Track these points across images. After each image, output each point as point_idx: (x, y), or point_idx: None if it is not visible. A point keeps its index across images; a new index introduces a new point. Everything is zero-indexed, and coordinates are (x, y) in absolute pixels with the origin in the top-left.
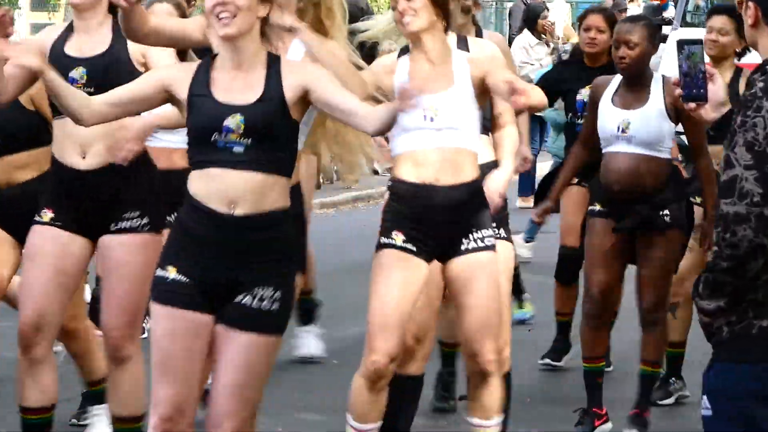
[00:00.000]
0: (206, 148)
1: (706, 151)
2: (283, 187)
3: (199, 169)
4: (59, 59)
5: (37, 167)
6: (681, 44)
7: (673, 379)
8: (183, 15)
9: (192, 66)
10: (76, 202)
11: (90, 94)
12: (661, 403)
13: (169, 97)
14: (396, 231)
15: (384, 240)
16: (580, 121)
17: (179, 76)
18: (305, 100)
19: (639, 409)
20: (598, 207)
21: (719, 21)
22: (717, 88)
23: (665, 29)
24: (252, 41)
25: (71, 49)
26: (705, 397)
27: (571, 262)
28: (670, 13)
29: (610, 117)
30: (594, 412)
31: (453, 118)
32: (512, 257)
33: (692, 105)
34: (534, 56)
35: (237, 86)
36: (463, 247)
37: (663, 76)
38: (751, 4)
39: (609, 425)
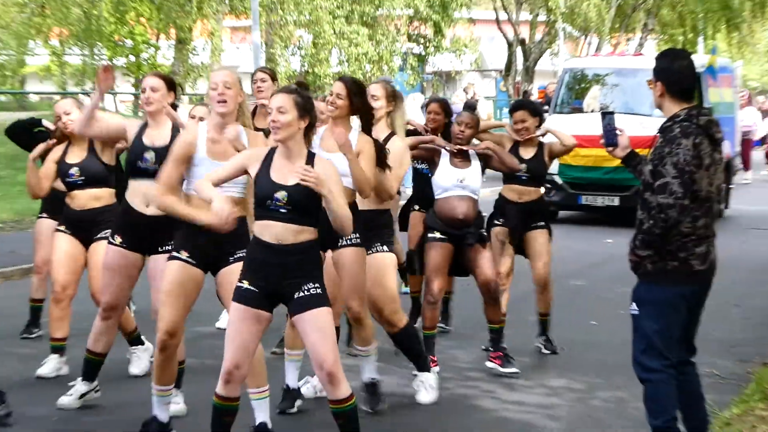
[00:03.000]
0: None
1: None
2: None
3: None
4: (138, 145)
5: (104, 201)
6: (603, 114)
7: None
8: None
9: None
10: (139, 233)
11: (155, 171)
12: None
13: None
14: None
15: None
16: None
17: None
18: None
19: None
20: (437, 234)
21: (521, 114)
22: (623, 139)
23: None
24: (296, 143)
25: (147, 138)
26: (633, 303)
27: (418, 258)
28: None
29: (449, 173)
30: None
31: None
32: (394, 260)
33: (609, 149)
34: None
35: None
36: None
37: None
38: (658, 83)
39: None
